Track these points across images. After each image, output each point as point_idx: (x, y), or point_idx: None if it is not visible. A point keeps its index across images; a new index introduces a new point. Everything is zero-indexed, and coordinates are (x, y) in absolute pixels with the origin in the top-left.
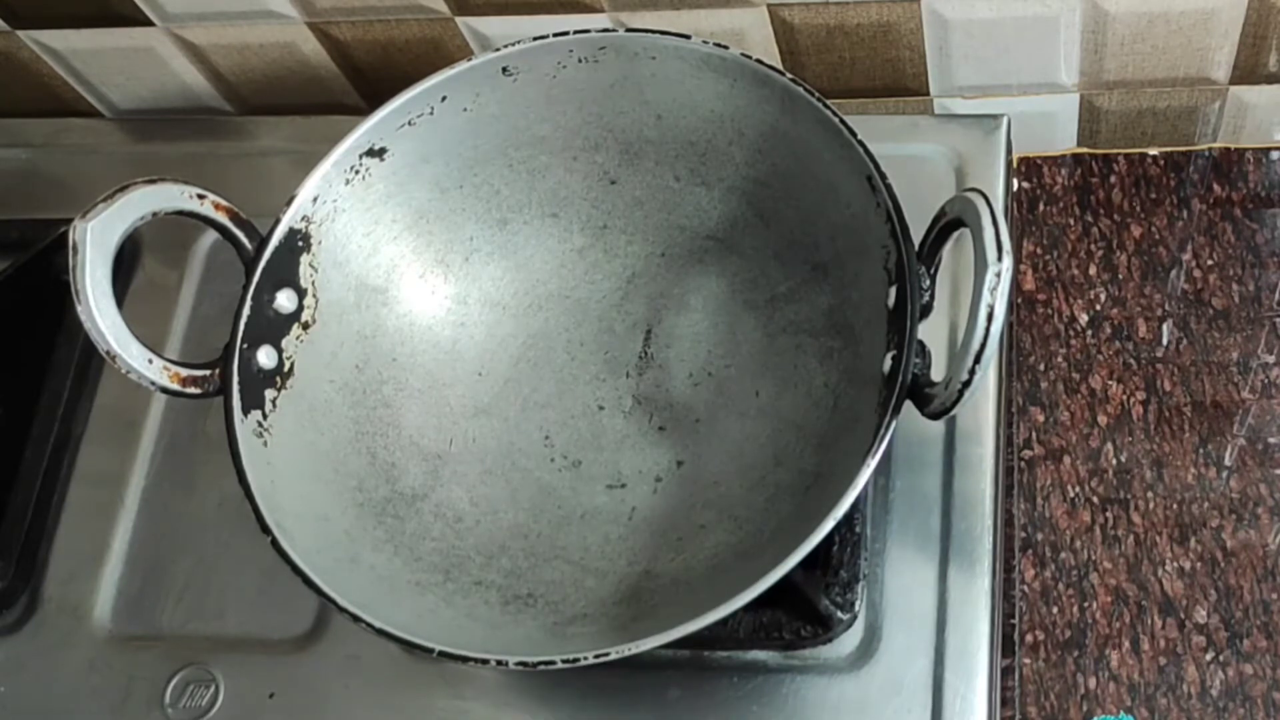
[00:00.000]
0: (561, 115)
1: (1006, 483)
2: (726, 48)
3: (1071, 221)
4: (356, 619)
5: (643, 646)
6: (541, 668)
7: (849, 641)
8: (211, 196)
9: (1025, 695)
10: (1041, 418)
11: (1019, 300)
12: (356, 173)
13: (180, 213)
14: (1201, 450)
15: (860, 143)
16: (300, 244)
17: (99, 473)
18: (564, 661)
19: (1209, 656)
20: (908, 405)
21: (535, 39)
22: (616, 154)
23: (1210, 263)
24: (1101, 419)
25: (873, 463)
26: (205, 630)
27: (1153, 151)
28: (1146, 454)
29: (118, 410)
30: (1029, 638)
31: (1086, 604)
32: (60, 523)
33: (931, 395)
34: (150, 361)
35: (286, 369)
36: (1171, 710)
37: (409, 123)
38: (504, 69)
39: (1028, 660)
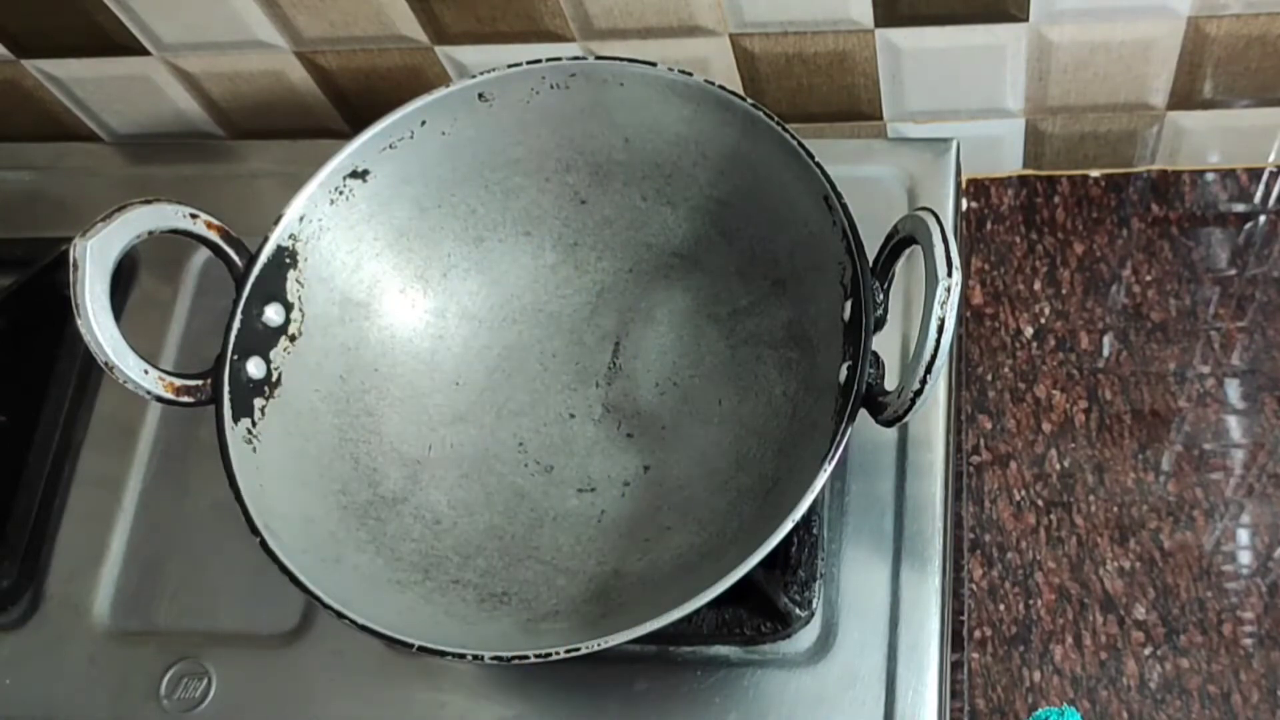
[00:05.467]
0: (535, 138)
1: (956, 487)
2: (691, 74)
3: (1017, 239)
4: (340, 616)
5: (611, 642)
6: (515, 662)
7: (807, 637)
8: (204, 216)
9: (974, 688)
10: (989, 425)
11: (968, 314)
12: (341, 193)
13: (174, 231)
14: (1140, 456)
15: (817, 165)
16: (288, 261)
17: (98, 477)
18: (537, 656)
19: (1147, 651)
20: (862, 413)
21: (509, 66)
22: (587, 175)
23: (1149, 278)
24: (1046, 426)
25: (829, 468)
26: (198, 626)
27: (1094, 173)
28: (1088, 459)
29: (116, 418)
30: (977, 634)
31: (1031, 602)
32: (62, 524)
33: (885, 403)
34: (146, 372)
35: (274, 379)
36: (1112, 702)
37: (390, 146)
38: (480, 95)
39: (976, 655)
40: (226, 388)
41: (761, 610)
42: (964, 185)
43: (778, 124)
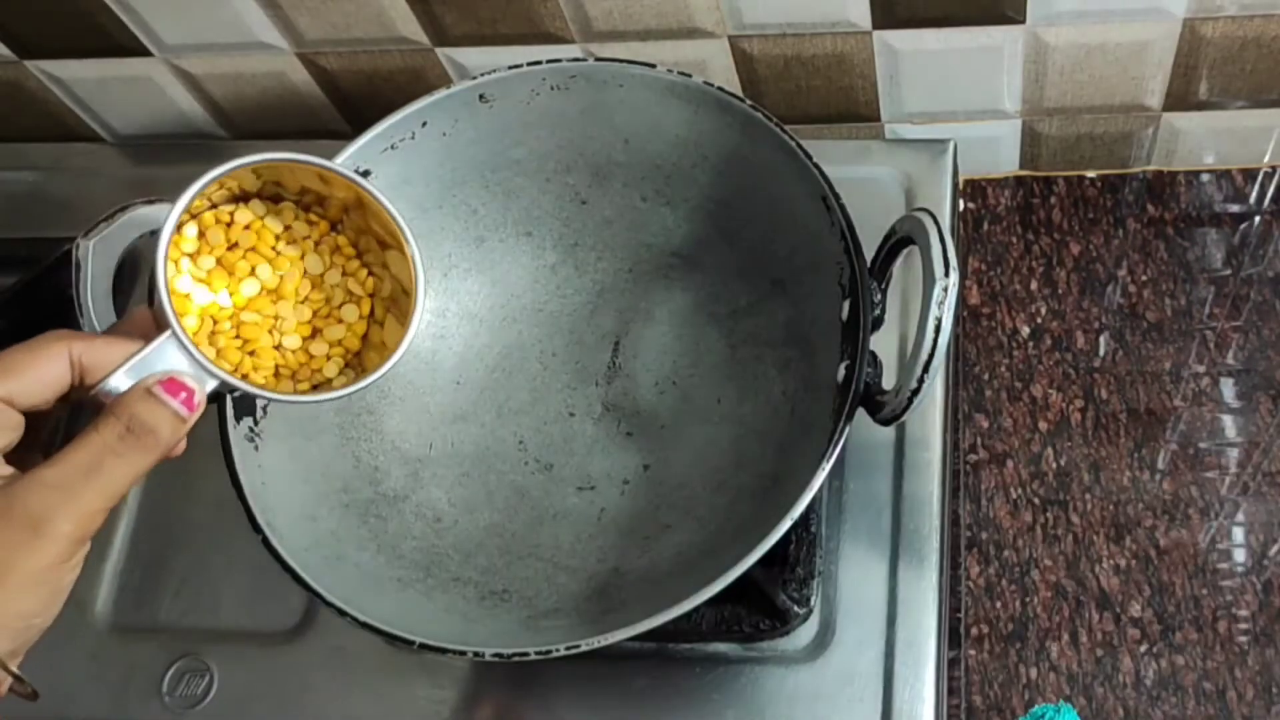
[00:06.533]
0: (535, 140)
1: (953, 485)
2: (690, 76)
3: (1014, 240)
4: (342, 613)
5: (612, 639)
6: (516, 659)
7: (805, 634)
8: None
9: (971, 685)
10: (986, 424)
11: (965, 313)
12: None
13: None
14: (1136, 454)
15: (816, 166)
16: None
17: None
18: (537, 653)
19: (1143, 648)
20: (861, 412)
21: (510, 68)
22: (587, 176)
23: (1144, 278)
24: (1042, 425)
25: (828, 466)
26: (201, 623)
27: (1090, 174)
28: (1084, 458)
29: None
30: (974, 631)
31: (1028, 599)
32: None
33: (883, 402)
34: None
35: None
36: (1108, 699)
37: (391, 147)
38: (481, 96)
39: (973, 652)
40: None
41: (760, 608)
42: (961, 186)
43: (776, 125)
